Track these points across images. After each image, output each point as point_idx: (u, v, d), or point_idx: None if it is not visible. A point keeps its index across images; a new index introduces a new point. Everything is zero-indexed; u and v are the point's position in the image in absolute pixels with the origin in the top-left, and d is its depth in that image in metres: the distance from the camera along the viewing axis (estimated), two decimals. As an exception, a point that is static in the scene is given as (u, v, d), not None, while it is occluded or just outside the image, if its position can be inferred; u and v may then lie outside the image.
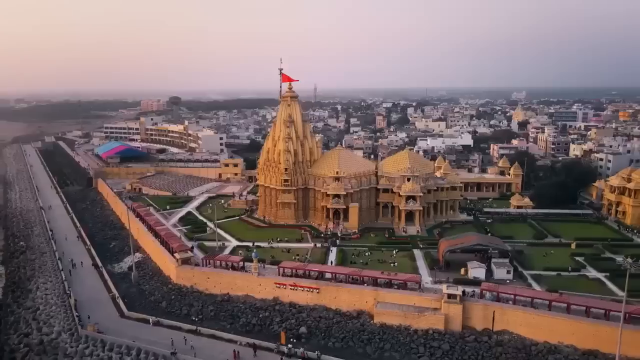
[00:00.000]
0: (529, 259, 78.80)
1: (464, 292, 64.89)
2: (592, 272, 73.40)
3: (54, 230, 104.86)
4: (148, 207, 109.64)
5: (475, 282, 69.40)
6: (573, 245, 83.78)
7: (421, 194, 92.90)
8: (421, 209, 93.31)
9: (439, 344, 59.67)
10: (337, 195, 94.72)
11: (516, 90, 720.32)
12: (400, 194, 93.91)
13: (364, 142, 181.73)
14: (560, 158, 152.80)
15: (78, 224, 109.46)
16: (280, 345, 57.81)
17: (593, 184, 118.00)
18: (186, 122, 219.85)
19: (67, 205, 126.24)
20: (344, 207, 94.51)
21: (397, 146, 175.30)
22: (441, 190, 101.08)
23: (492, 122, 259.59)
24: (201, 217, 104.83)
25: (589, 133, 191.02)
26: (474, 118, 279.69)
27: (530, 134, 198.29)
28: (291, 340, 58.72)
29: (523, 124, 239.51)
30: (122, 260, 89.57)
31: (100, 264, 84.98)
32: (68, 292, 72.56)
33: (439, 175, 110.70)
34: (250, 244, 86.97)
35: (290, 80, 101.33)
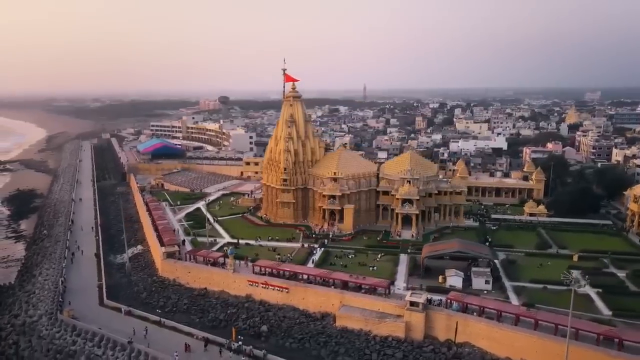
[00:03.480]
0: (519, 269, 74.51)
1: (430, 300, 62.74)
2: (584, 288, 67.80)
3: (75, 221, 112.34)
4: (160, 202, 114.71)
5: (452, 290, 66.77)
6: (575, 258, 78.12)
7: (418, 197, 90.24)
8: (418, 212, 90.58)
9: (393, 352, 58.02)
10: (333, 196, 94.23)
11: (590, 91, 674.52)
12: (397, 196, 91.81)
13: (391, 142, 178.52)
14: (599, 164, 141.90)
15: (98, 216, 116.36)
16: (231, 341, 58.67)
17: (624, 192, 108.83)
18: (221, 121, 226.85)
19: (97, 198, 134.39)
20: (339, 208, 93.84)
21: (426, 147, 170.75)
22: (444, 194, 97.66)
23: (541, 124, 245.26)
24: (207, 214, 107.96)
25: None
26: (520, 120, 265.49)
27: (577, 138, 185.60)
28: (239, 338, 59.29)
29: (575, 127, 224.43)
30: (126, 252, 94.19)
31: (100, 254, 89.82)
32: (61, 278, 77.57)
33: (456, 178, 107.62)
34: (242, 241, 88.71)
35: (292, 80, 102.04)
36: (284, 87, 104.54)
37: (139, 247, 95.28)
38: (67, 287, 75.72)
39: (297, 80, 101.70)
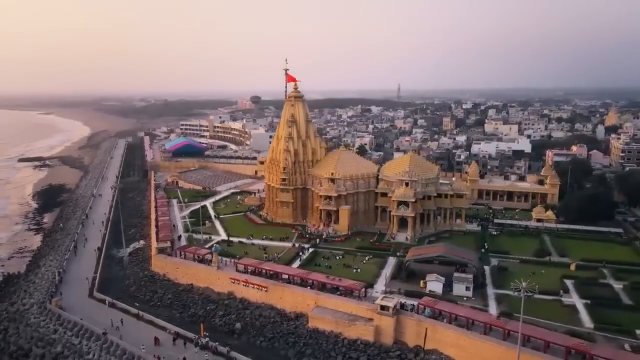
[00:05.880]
0: (509, 277, 71.19)
1: (402, 304, 61.60)
2: (572, 298, 64.81)
3: (89, 215, 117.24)
4: (170, 199, 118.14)
5: (432, 295, 65.28)
6: (572, 267, 74.43)
7: (414, 200, 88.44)
8: (413, 215, 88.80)
9: (358, 356, 57.49)
10: (329, 197, 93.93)
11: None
12: (392, 198, 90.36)
13: (410, 144, 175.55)
14: (627, 168, 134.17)
15: (112, 211, 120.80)
16: (199, 337, 59.68)
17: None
18: (244, 120, 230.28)
19: (115, 193, 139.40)
20: (335, 209, 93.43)
21: (446, 149, 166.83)
22: (444, 197, 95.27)
23: (576, 126, 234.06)
24: (211, 211, 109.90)
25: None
26: (554, 121, 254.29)
27: (611, 140, 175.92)
28: (205, 334, 60.09)
29: (614, 129, 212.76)
30: (129, 246, 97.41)
31: (103, 248, 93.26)
32: (60, 270, 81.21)
33: (459, 181, 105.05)
34: (236, 239, 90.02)
35: (294, 80, 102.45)
36: (285, 87, 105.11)
37: (141, 242, 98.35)
38: (63, 278, 79.13)
39: (298, 81, 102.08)
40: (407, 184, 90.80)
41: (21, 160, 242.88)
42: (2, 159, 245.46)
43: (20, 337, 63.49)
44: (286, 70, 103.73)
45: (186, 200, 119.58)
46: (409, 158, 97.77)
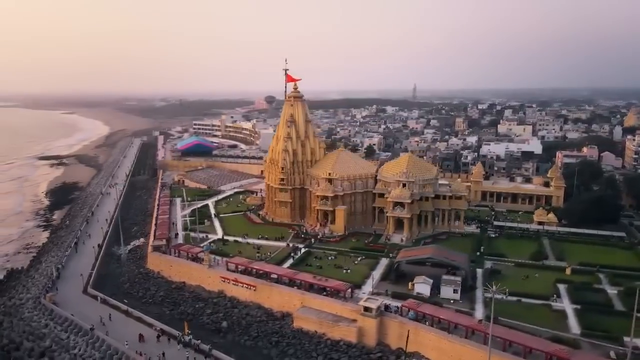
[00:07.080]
0: (501, 280, 70.17)
1: (387, 306, 61.24)
2: (562, 303, 63.39)
3: (95, 213, 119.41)
4: (173, 198, 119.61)
5: (418, 297, 64.74)
6: (568, 271, 72.80)
7: (409, 200, 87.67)
8: (409, 216, 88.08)
9: (339, 357, 57.30)
10: (326, 197, 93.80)
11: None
12: (388, 199, 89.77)
13: (418, 144, 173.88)
14: (638, 171, 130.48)
15: (117, 209, 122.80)
16: (182, 335, 60.24)
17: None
18: (254, 121, 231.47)
19: (123, 192, 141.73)
20: (331, 209, 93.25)
21: (454, 150, 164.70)
22: (443, 199, 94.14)
23: (593, 127, 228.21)
24: (212, 210, 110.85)
25: None
26: (570, 122, 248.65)
27: (627, 142, 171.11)
28: (188, 332, 60.54)
29: (631, 130, 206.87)
30: (130, 244, 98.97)
31: (103, 245, 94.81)
32: (59, 266, 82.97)
33: (458, 182, 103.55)
34: (232, 238, 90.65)
35: (293, 80, 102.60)
36: (285, 87, 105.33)
37: (142, 239, 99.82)
38: (61, 274, 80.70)
39: (298, 80, 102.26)
40: (404, 185, 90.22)
41: (41, 158, 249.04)
42: (23, 157, 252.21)
43: (13, 331, 65.07)
44: (286, 70, 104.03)
45: (189, 199, 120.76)
46: (407, 159, 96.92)
